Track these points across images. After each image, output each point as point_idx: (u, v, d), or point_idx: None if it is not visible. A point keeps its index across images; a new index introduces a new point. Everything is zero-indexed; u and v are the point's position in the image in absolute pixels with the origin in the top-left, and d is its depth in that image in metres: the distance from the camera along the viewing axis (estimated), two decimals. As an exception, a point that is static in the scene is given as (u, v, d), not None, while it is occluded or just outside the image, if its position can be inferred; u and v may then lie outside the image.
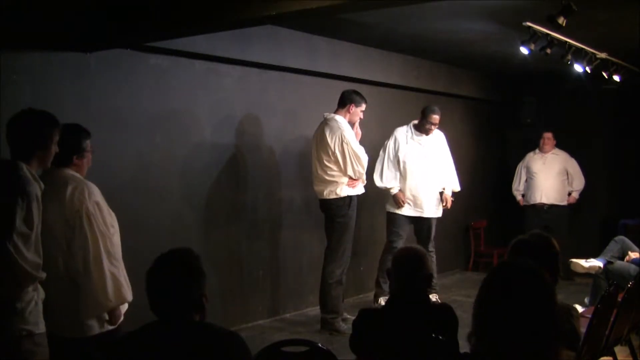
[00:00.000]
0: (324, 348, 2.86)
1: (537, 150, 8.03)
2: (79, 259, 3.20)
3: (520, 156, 8.33)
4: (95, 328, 3.29)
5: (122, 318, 3.38)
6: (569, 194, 7.93)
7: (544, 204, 7.86)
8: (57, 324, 3.17)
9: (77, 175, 3.36)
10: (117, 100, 4.82)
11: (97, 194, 3.33)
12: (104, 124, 4.75)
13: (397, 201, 6.20)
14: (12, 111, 4.15)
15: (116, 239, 3.38)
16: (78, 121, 4.13)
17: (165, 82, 5.15)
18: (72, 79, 4.53)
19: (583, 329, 3.19)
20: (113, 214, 3.43)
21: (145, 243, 4.96)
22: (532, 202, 7.95)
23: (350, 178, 5.49)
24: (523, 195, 8.10)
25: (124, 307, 3.42)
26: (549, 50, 5.69)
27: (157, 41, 4.79)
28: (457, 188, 6.58)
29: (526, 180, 8.07)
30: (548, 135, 7.92)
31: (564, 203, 7.90)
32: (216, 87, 5.55)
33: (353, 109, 5.52)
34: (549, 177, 7.86)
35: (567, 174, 7.91)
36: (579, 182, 7.90)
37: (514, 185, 8.19)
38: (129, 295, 3.35)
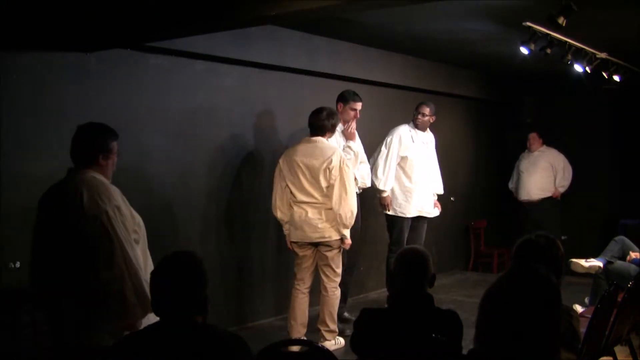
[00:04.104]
0: (324, 348, 2.85)
1: (526, 150, 8.17)
2: (104, 266, 3.02)
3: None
4: (113, 338, 3.08)
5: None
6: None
7: (529, 201, 8.00)
8: (76, 335, 3.08)
9: (98, 177, 3.21)
10: (117, 100, 4.82)
11: (117, 198, 3.18)
12: (104, 124, 4.75)
13: (384, 204, 6.16)
14: (12, 111, 4.19)
15: (141, 244, 3.24)
16: (78, 122, 4.13)
17: (165, 82, 5.15)
18: (72, 79, 4.53)
19: (583, 329, 3.19)
20: (138, 218, 3.28)
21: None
22: (520, 199, 8.14)
23: None
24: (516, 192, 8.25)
25: (147, 319, 3.14)
26: (549, 50, 5.69)
27: (157, 41, 4.78)
28: (441, 191, 6.57)
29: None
30: (533, 135, 8.10)
31: (549, 196, 7.99)
32: (216, 87, 5.54)
33: (342, 107, 5.50)
34: (531, 174, 8.00)
35: (554, 170, 7.99)
36: (561, 179, 7.98)
37: (510, 183, 8.38)
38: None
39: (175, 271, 2.29)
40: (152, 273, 2.32)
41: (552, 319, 1.87)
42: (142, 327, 3.03)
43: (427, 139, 6.35)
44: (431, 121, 6.29)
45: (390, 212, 6.20)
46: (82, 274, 3.05)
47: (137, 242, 3.20)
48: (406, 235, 6.23)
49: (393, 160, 6.11)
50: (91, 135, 3.23)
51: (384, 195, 6.12)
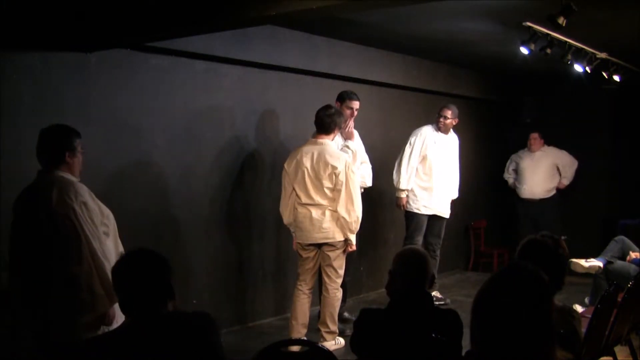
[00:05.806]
0: (324, 348, 2.86)
1: (526, 149, 8.18)
2: (73, 261, 3.18)
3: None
4: (90, 330, 3.25)
5: (116, 319, 3.31)
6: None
7: (530, 199, 8.03)
8: (51, 328, 3.22)
9: (66, 176, 3.34)
10: (117, 100, 4.82)
11: (84, 194, 3.30)
12: (104, 124, 4.75)
13: (399, 204, 6.37)
14: (12, 111, 4.19)
15: (112, 235, 3.38)
16: (78, 122, 4.14)
17: (166, 82, 5.15)
18: (72, 79, 4.53)
19: (583, 329, 3.18)
20: (107, 212, 3.41)
21: (145, 244, 4.95)
22: (521, 197, 8.16)
23: None
24: (515, 187, 8.26)
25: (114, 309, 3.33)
26: (549, 50, 5.69)
27: (157, 41, 4.79)
28: (455, 195, 6.73)
29: (515, 171, 8.25)
30: (534, 135, 8.10)
31: (550, 195, 8.02)
32: (216, 87, 5.54)
33: (339, 106, 5.49)
34: (535, 173, 8.02)
35: (558, 169, 8.02)
36: (566, 173, 8.03)
37: (505, 174, 8.41)
38: None
39: (137, 266, 2.34)
40: (112, 275, 2.35)
41: (544, 313, 1.87)
42: (112, 316, 3.26)
43: (449, 142, 6.50)
44: (454, 124, 6.47)
45: (410, 209, 6.38)
46: (54, 270, 3.21)
47: (107, 234, 3.37)
48: (423, 231, 6.34)
49: (415, 160, 6.32)
50: (56, 136, 3.39)
51: (402, 195, 6.31)
